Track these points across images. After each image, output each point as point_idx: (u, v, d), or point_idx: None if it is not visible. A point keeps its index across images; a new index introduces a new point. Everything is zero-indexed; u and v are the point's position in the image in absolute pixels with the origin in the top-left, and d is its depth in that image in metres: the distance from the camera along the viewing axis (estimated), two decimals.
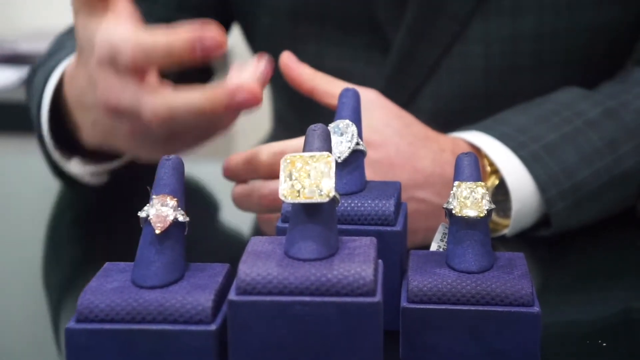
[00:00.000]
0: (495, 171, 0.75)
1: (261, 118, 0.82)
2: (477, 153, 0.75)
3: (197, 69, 1.05)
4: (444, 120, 0.79)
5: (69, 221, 0.86)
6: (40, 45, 2.12)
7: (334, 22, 0.92)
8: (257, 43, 1.01)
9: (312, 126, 0.52)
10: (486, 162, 0.75)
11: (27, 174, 1.08)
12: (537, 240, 0.77)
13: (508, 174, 0.74)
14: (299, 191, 0.49)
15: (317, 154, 0.49)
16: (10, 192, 1.01)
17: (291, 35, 0.95)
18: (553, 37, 0.88)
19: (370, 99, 0.73)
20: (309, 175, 0.49)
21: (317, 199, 0.48)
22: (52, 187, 0.90)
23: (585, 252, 0.76)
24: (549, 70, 0.89)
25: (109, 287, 0.49)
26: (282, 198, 0.49)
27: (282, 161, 0.49)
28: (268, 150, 0.70)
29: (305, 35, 0.94)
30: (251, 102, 0.62)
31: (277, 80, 0.83)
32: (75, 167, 0.81)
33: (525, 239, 0.77)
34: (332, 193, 0.48)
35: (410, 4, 0.88)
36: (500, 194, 0.75)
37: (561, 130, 0.77)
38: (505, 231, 0.76)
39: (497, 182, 0.75)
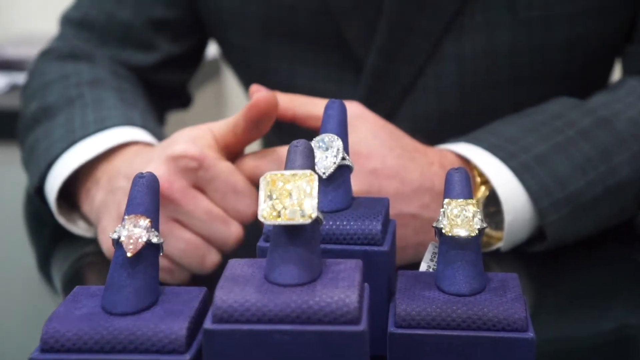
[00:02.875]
0: (486, 182, 0.73)
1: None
2: (466, 165, 0.73)
3: (176, 96, 1.03)
4: (422, 139, 0.77)
5: (45, 239, 0.82)
6: (28, 51, 2.10)
7: (305, 41, 0.91)
8: (232, 60, 1.00)
9: (294, 142, 0.49)
10: (476, 173, 0.73)
11: (13, 181, 1.05)
12: (531, 256, 0.74)
13: (499, 185, 0.72)
14: (279, 212, 0.46)
15: (299, 172, 0.47)
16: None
17: (263, 53, 0.94)
18: (528, 52, 0.86)
19: (356, 112, 0.71)
20: (290, 194, 0.46)
21: (298, 220, 0.45)
22: (34, 200, 0.87)
23: (580, 268, 0.74)
24: (525, 84, 0.87)
25: (77, 314, 0.46)
26: (262, 219, 0.46)
27: (261, 180, 0.47)
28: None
29: (277, 53, 0.93)
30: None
31: None
32: (82, 229, 0.79)
33: (519, 256, 0.74)
34: (315, 214, 0.45)
35: (380, 24, 0.86)
36: (492, 205, 0.73)
37: (552, 141, 0.75)
38: (499, 244, 0.73)
39: (487, 192, 0.72)
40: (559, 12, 0.84)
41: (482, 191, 0.73)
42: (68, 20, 0.98)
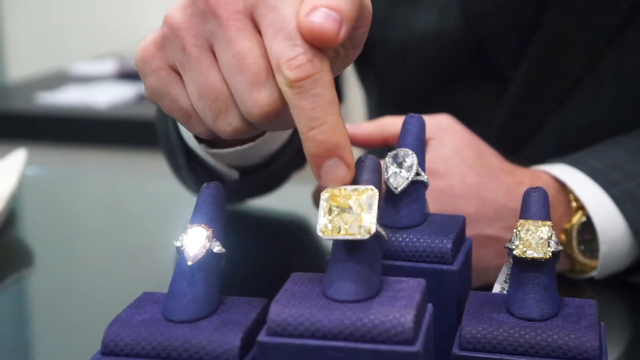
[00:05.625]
0: (582, 207, 0.69)
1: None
2: (561, 188, 0.70)
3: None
4: (569, 154, 0.72)
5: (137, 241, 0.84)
6: None
7: (445, 58, 0.86)
8: (366, 77, 0.97)
9: (361, 157, 0.48)
10: (572, 198, 0.69)
11: (141, 190, 1.08)
12: (631, 283, 0.70)
13: (595, 213, 0.68)
14: (339, 227, 0.45)
15: (361, 187, 0.46)
16: (126, 209, 1.00)
17: (400, 73, 0.90)
18: None
19: (444, 125, 0.69)
20: (350, 209, 0.45)
21: (357, 235, 0.45)
22: (172, 200, 0.87)
23: None
24: None
25: (138, 319, 0.47)
26: (320, 234, 0.45)
27: (322, 194, 0.46)
28: None
29: (414, 72, 0.89)
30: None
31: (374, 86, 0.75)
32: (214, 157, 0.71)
33: (617, 281, 0.70)
34: (373, 230, 0.45)
35: (535, 37, 0.81)
36: (588, 233, 0.69)
37: None
38: (593, 273, 0.70)
39: (583, 219, 0.69)
40: None
41: (577, 217, 0.69)
42: None
